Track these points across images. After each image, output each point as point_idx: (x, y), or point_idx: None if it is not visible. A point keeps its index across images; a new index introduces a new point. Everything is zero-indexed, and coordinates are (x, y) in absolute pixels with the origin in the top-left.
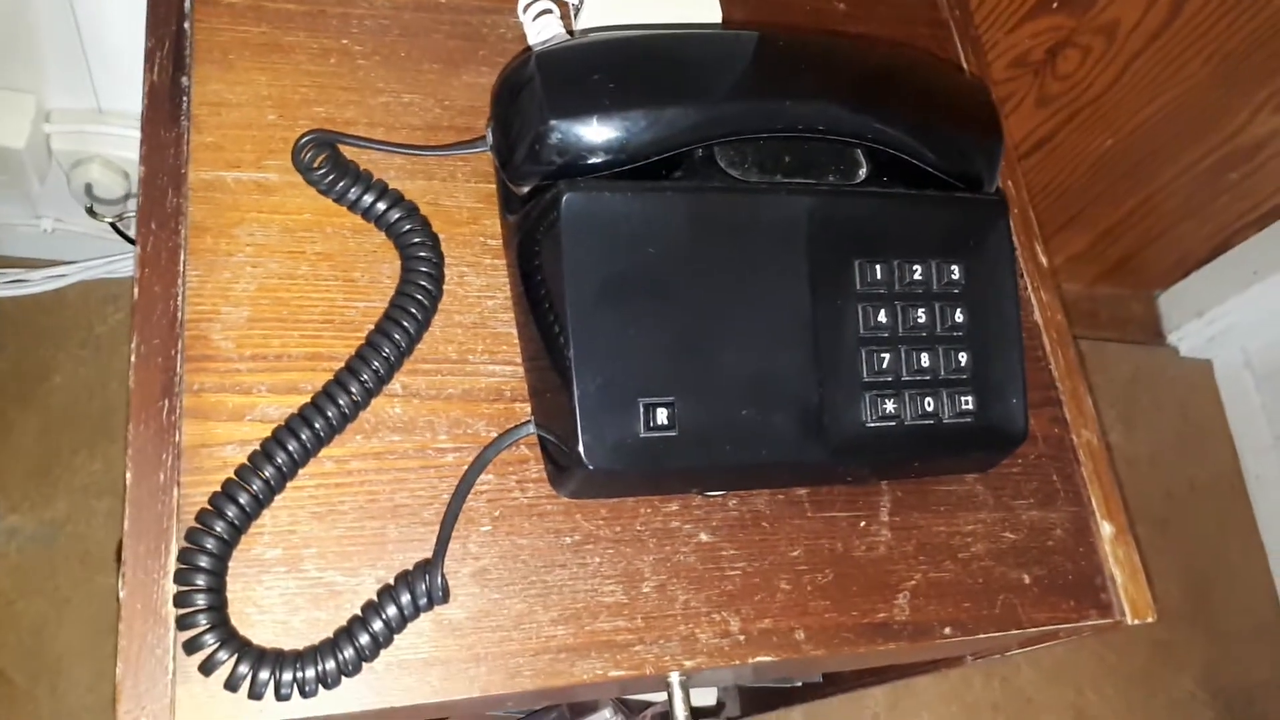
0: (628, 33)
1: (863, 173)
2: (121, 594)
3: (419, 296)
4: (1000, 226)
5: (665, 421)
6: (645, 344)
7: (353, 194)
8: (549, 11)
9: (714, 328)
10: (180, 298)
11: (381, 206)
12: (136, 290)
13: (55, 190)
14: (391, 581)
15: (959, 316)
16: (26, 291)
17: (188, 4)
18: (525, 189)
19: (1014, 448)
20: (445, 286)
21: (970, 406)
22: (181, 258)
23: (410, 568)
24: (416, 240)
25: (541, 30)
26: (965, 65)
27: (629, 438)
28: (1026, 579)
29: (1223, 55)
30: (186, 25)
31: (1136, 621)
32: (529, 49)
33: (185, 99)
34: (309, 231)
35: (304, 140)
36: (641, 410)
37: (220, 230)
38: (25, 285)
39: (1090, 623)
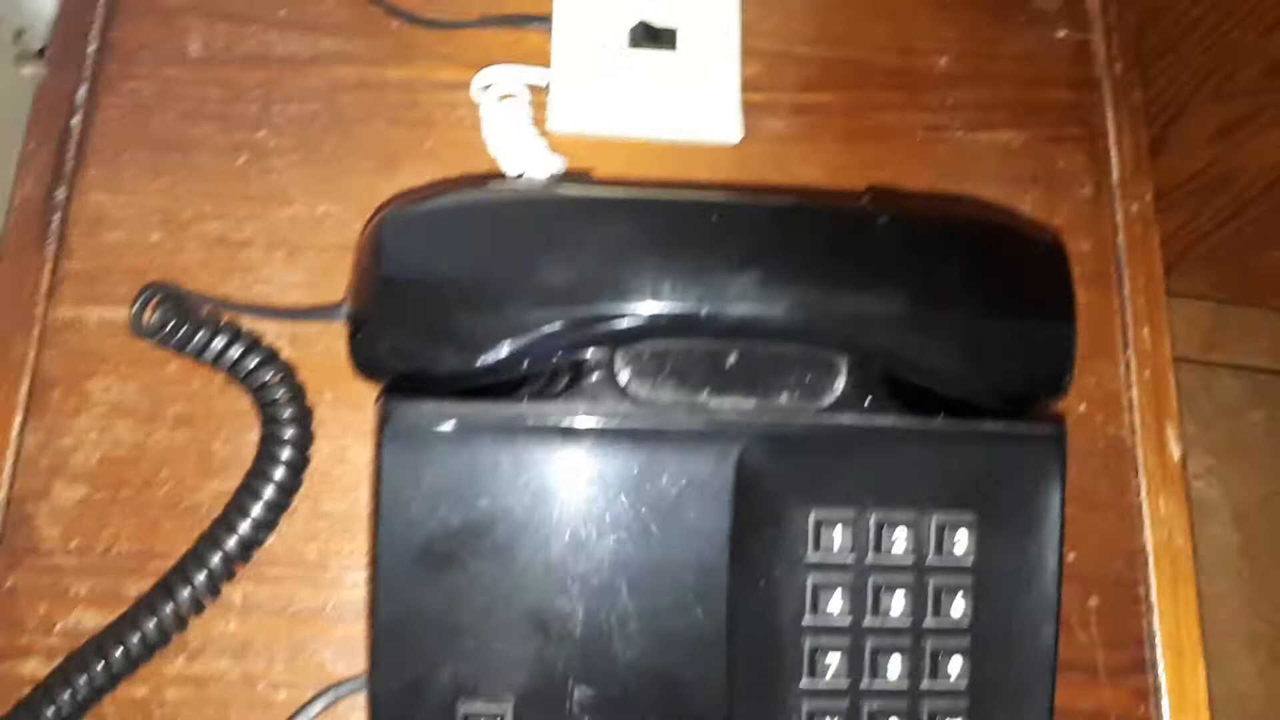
0: (504, 191)
1: (839, 387)
2: None
3: (264, 487)
4: (1048, 472)
5: None
6: (477, 627)
7: (195, 343)
8: (512, 96)
9: (581, 607)
10: (9, 471)
11: (234, 355)
12: None
13: None
14: None
15: (958, 604)
16: None
17: (82, 92)
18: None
19: None
20: (319, 462)
21: None
22: (18, 421)
23: None
24: (273, 406)
25: (500, 119)
26: (1115, 144)
27: None
28: None
29: None
30: (75, 121)
31: None
32: (381, 210)
33: (57, 216)
34: (172, 386)
35: (135, 304)
36: None
37: (71, 384)
38: None
39: None
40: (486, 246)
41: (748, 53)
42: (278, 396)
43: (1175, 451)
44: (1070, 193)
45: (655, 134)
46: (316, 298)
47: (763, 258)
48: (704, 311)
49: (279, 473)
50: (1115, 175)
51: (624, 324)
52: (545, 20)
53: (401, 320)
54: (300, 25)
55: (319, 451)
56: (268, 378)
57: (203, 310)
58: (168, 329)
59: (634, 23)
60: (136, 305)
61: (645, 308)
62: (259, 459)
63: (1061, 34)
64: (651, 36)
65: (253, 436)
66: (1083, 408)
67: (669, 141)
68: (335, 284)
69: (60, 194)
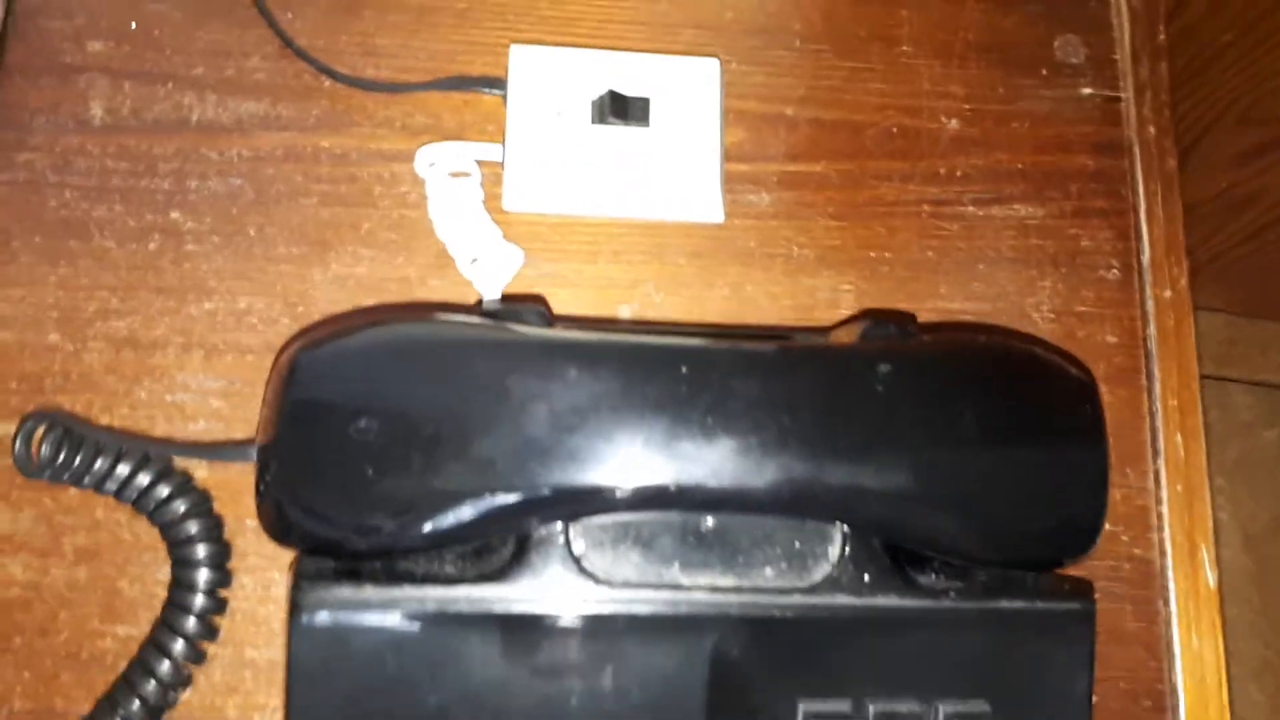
0: (439, 329)
1: (833, 559)
2: None
3: (172, 642)
4: (1074, 654)
5: None
6: None
7: (95, 474)
8: (464, 175)
9: None
10: None
11: (140, 485)
12: None
13: None
14: None
15: None
16: None
17: None
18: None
19: None
20: (241, 601)
21: None
22: None
23: None
24: (185, 545)
25: (449, 201)
26: (1146, 220)
27: None
28: None
29: None
30: None
31: None
32: (290, 344)
33: None
34: (72, 515)
35: (15, 438)
36: None
37: None
38: None
39: None
40: (416, 401)
41: (730, 116)
42: (190, 534)
43: (1210, 577)
44: (1095, 276)
45: (625, 215)
46: (238, 407)
47: (743, 418)
48: (673, 486)
49: (189, 625)
50: (1146, 256)
51: (576, 501)
52: (501, 84)
53: (312, 486)
54: (219, 86)
55: (241, 588)
56: (179, 511)
57: (96, 436)
58: (59, 463)
59: (601, 90)
60: (18, 440)
61: (602, 481)
62: (168, 608)
63: (1086, 92)
64: (620, 105)
65: (166, 572)
66: (1106, 526)
67: (640, 222)
68: (261, 391)
69: None
